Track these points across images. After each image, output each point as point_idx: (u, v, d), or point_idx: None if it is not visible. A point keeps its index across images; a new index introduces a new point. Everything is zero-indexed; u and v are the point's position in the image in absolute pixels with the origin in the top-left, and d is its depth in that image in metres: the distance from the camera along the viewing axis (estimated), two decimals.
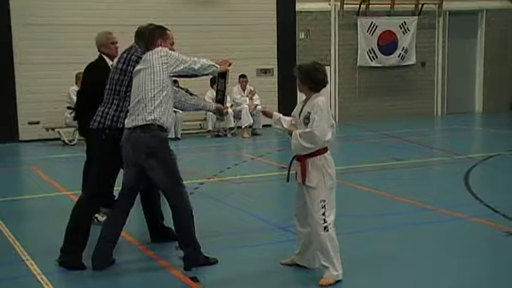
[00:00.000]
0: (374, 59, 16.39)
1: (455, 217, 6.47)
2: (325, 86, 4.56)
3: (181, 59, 4.89)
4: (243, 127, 13.66)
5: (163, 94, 4.80)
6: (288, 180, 4.67)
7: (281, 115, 4.79)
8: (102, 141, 5.08)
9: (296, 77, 4.56)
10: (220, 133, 14.02)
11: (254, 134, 13.92)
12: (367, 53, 16.30)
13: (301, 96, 4.68)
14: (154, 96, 4.76)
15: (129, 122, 4.83)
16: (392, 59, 16.54)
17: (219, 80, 5.36)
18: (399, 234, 5.91)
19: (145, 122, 4.74)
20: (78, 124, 6.63)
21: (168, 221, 5.45)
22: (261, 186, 8.45)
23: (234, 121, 13.85)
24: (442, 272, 4.84)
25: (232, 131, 13.89)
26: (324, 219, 4.44)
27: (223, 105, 5.47)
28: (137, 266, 5.16)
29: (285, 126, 4.71)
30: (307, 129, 4.42)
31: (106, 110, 5.10)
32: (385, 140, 12.79)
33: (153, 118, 4.74)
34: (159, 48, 4.92)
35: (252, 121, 13.79)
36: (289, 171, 4.66)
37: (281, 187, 8.63)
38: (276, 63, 15.45)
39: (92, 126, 5.14)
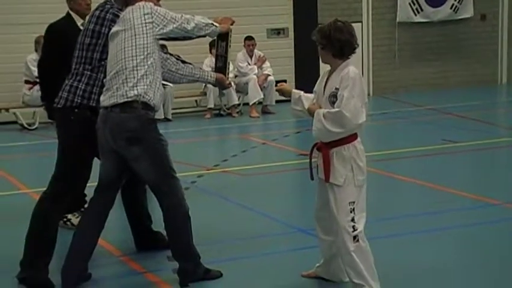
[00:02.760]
0: (419, 12, 16.31)
1: None
2: (354, 50, 4.47)
3: (170, 17, 4.90)
4: (250, 104, 13.66)
5: (149, 63, 4.81)
6: (312, 178, 4.66)
7: (302, 93, 4.70)
8: (71, 124, 5.10)
9: (316, 43, 4.52)
10: (222, 112, 14.04)
11: (265, 112, 13.93)
12: (410, 4, 16.23)
13: (324, 67, 4.63)
14: (137, 66, 4.77)
15: (105, 99, 4.84)
16: (443, 12, 16.45)
17: (219, 43, 5.37)
18: (455, 238, 5.90)
19: (126, 99, 4.75)
20: (45, 105, 6.63)
21: (158, 224, 5.48)
22: (276, 179, 8.47)
23: (239, 97, 13.85)
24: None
25: (237, 109, 13.90)
26: (353, 227, 4.42)
27: (225, 74, 5.47)
28: (119, 283, 5.18)
29: (306, 106, 4.61)
30: (334, 109, 4.36)
31: (75, 83, 5.12)
32: (434, 117, 12.75)
33: (136, 94, 4.75)
34: (142, 3, 4.92)
35: (262, 96, 13.79)
36: (311, 165, 4.64)
37: (301, 180, 8.62)
38: (292, 21, 15.41)
39: (57, 104, 5.16)
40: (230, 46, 5.33)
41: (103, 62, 5.02)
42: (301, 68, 15.22)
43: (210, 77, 5.50)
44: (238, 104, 13.91)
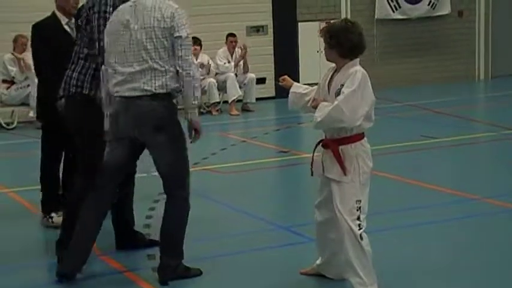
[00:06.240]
0: (397, 9, 16.37)
1: (506, 209, 6.49)
2: (361, 51, 4.50)
3: (187, 33, 4.82)
4: (229, 101, 13.60)
5: (172, 62, 4.82)
6: (312, 174, 4.68)
7: (302, 89, 4.69)
8: (80, 111, 5.18)
9: (324, 41, 4.52)
10: (202, 110, 13.98)
11: (245, 110, 13.89)
12: (388, 1, 16.28)
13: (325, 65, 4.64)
14: (163, 66, 4.80)
15: (126, 90, 4.83)
16: (421, 9, 16.52)
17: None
18: (434, 232, 5.92)
19: (154, 92, 4.79)
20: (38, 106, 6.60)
21: (137, 225, 5.44)
22: (256, 177, 8.45)
23: (219, 94, 13.80)
24: (492, 283, 4.86)
25: (217, 106, 13.85)
26: (359, 225, 4.43)
27: None
28: (99, 281, 5.15)
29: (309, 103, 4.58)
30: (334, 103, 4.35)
31: (77, 73, 5.21)
32: (413, 112, 12.79)
33: (165, 90, 4.81)
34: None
35: (240, 93, 13.72)
36: (313, 161, 4.63)
37: (281, 177, 8.65)
38: (271, 19, 15.40)
39: (68, 93, 5.22)
40: None
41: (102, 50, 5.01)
42: (280, 66, 15.20)
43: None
44: (218, 102, 13.86)
